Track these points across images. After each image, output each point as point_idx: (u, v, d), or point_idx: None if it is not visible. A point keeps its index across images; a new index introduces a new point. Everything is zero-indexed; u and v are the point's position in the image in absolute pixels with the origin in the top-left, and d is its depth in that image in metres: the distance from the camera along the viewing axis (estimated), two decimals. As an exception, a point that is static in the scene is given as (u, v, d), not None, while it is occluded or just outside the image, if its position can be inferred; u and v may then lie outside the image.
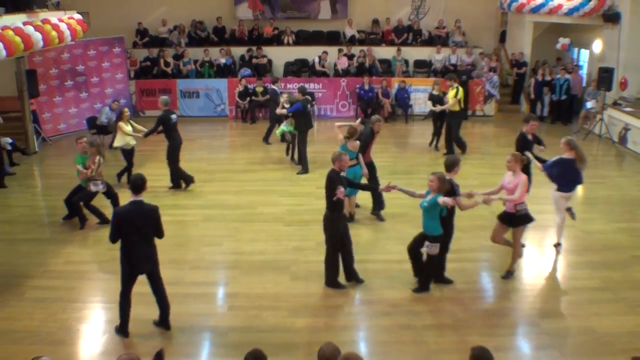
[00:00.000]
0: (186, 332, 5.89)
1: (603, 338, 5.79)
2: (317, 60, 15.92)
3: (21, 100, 12.18)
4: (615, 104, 13.44)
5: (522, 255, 7.25)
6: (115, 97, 13.25)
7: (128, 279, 5.66)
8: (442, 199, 6.12)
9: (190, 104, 15.37)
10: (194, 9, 16.54)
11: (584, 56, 16.19)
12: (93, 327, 6.04)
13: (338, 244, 6.60)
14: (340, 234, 6.57)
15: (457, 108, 11.88)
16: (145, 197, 5.68)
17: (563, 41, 14.95)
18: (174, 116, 9.82)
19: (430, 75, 15.78)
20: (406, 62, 16.27)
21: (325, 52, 15.91)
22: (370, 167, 8.63)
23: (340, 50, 16.04)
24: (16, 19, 10.19)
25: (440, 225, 6.35)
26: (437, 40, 16.65)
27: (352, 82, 15.42)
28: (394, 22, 16.91)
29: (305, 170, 10.79)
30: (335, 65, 16.00)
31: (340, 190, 6.29)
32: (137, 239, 5.54)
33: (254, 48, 16.06)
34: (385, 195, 8.42)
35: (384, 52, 16.43)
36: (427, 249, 6.35)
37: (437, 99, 12.16)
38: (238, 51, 16.22)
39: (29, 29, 10.12)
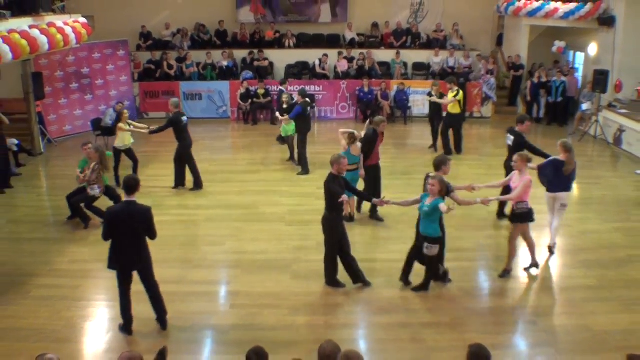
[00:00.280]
0: (188, 330, 5.94)
1: (598, 336, 5.84)
2: (317, 62, 16.03)
3: (27, 102, 12.29)
4: (610, 106, 13.53)
5: (519, 254, 7.29)
6: (120, 99, 13.37)
7: (121, 278, 5.74)
8: (444, 207, 6.08)
9: (193, 106, 15.47)
10: (196, 13, 16.61)
11: (579, 59, 16.31)
12: (97, 325, 6.11)
13: (337, 245, 6.64)
14: (339, 234, 6.62)
15: (457, 110, 11.98)
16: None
17: (559, 44, 15.05)
18: (184, 118, 9.94)
19: (428, 78, 15.85)
20: (405, 64, 16.36)
21: (325, 55, 16.02)
22: (376, 170, 8.64)
23: (340, 53, 16.16)
24: (22, 23, 10.28)
25: (439, 227, 6.40)
26: (435, 43, 16.74)
27: (352, 84, 15.53)
28: (393, 26, 17.00)
29: (305, 171, 10.89)
30: (335, 67, 16.12)
31: (343, 197, 6.33)
32: (128, 238, 5.61)
33: (256, 51, 16.16)
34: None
35: (383, 55, 16.51)
36: (426, 251, 6.38)
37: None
38: (240, 54, 16.33)
39: (35, 32, 10.20)
